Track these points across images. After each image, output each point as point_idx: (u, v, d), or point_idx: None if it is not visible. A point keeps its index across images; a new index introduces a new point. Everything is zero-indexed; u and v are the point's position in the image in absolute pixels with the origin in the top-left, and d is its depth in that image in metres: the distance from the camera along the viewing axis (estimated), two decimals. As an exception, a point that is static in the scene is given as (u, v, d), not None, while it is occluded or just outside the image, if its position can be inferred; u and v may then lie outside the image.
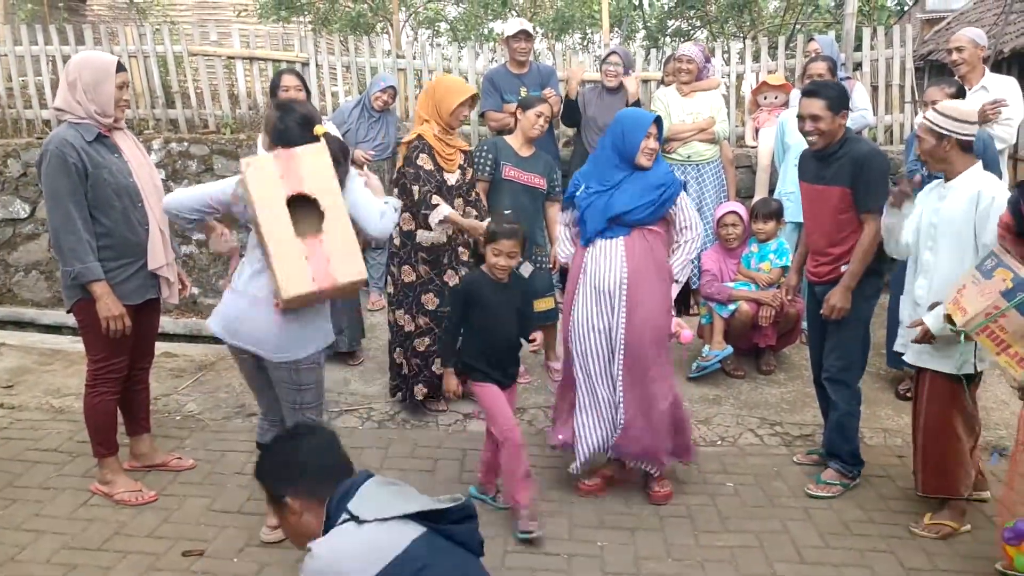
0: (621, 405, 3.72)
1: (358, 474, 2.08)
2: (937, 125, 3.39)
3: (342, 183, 3.05)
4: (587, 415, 3.79)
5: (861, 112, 5.77)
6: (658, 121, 3.73)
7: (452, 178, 4.45)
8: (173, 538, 3.47)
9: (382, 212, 3.15)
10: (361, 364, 5.36)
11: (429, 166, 4.36)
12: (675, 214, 3.76)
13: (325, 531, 1.97)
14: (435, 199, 4.32)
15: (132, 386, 3.90)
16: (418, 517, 1.94)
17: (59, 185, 3.38)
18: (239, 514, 3.68)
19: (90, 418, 3.73)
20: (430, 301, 4.52)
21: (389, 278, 4.64)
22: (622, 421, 3.71)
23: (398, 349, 4.66)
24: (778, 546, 3.48)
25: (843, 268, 3.79)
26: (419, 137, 4.39)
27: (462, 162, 4.54)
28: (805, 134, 3.80)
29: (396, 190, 4.53)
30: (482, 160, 4.78)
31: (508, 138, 4.90)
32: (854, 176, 3.71)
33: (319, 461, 2.10)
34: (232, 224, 3.45)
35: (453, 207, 4.41)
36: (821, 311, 3.84)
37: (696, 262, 5.81)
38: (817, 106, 3.71)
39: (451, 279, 4.54)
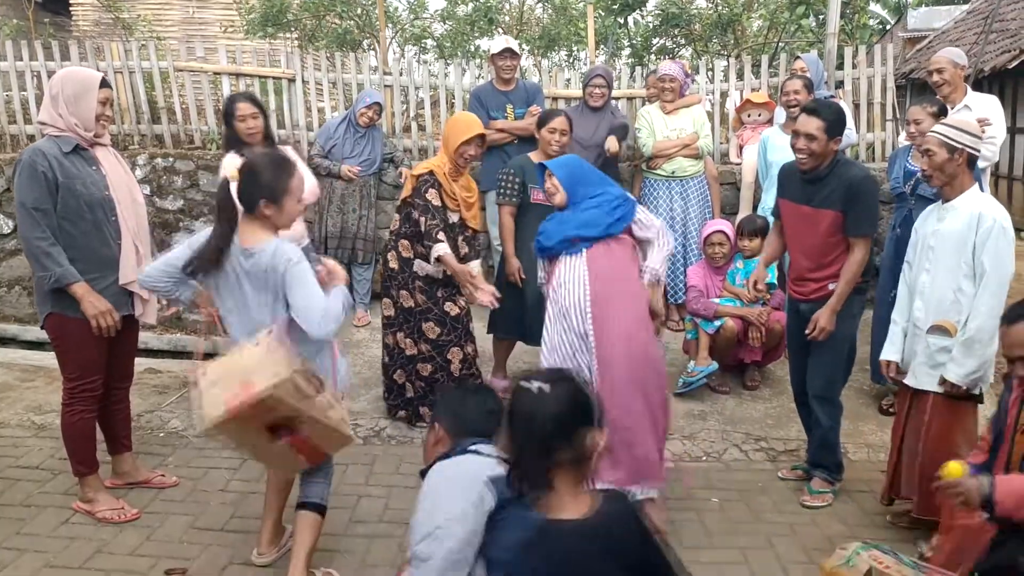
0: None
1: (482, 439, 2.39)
2: (950, 138, 3.37)
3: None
4: None
5: (844, 131, 5.82)
6: (552, 166, 3.77)
7: (454, 216, 4.50)
8: (156, 556, 3.44)
9: (323, 312, 2.85)
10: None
11: (437, 202, 4.37)
12: (637, 225, 3.74)
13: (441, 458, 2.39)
14: (440, 236, 4.32)
15: (111, 405, 3.87)
16: None
17: (28, 193, 3.38)
18: (222, 532, 3.65)
19: (68, 438, 3.70)
20: (431, 330, 4.50)
21: (388, 300, 4.59)
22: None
23: (399, 371, 4.63)
24: (763, 562, 3.49)
25: (830, 287, 3.78)
26: (431, 173, 4.39)
27: (467, 212, 4.57)
28: (797, 151, 3.77)
29: (399, 216, 4.53)
30: (509, 184, 4.77)
31: (533, 156, 4.87)
32: (847, 201, 3.68)
33: (471, 417, 2.52)
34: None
35: (455, 245, 4.46)
36: (806, 331, 3.83)
37: (682, 277, 5.86)
38: (814, 125, 3.67)
39: (452, 309, 4.53)
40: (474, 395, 2.67)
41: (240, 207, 2.93)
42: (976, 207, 3.37)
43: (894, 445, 3.75)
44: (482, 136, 4.51)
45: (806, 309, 3.90)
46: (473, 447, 2.35)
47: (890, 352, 3.68)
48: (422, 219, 4.34)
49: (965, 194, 3.42)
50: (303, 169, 5.06)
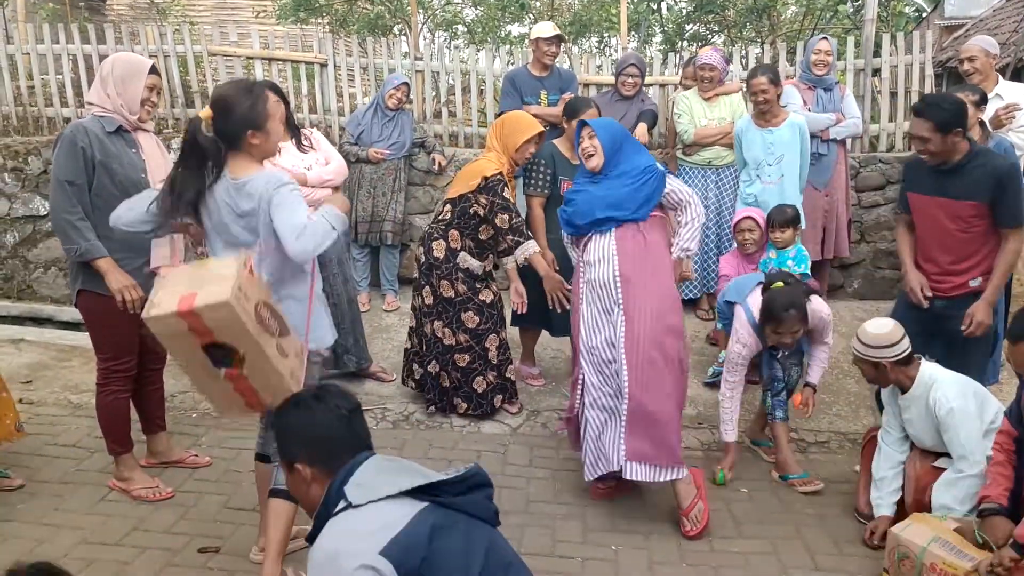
0: (625, 412, 3.58)
1: (359, 455, 2.03)
2: (870, 356, 3.37)
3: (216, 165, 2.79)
4: (593, 416, 3.73)
5: (853, 119, 5.78)
6: (595, 126, 3.77)
7: None
8: (190, 534, 3.49)
9: (301, 228, 2.67)
10: (394, 380, 5.15)
11: (511, 199, 4.44)
12: (667, 198, 3.75)
13: (322, 515, 1.95)
14: (529, 232, 4.39)
15: (145, 386, 3.92)
16: (420, 492, 1.90)
17: (64, 166, 3.43)
18: (255, 511, 3.67)
19: (103, 417, 3.75)
20: (470, 319, 4.50)
21: (428, 288, 4.55)
22: (624, 430, 3.58)
23: (433, 362, 4.61)
24: (792, 552, 3.47)
25: (972, 283, 3.71)
26: (501, 174, 4.41)
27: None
28: (918, 151, 3.72)
29: (452, 209, 4.50)
30: (540, 175, 4.75)
31: (560, 145, 4.84)
32: (995, 191, 3.57)
33: (329, 432, 2.07)
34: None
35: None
36: (963, 327, 3.70)
37: (715, 267, 5.81)
38: (924, 127, 3.58)
39: (487, 296, 4.55)
40: (317, 405, 2.13)
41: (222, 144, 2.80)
42: (931, 395, 3.31)
43: (864, 463, 3.75)
44: (541, 134, 4.52)
45: (942, 306, 3.78)
46: (353, 477, 1.95)
47: (884, 509, 3.52)
48: (504, 216, 4.34)
49: (916, 383, 3.38)
50: (321, 139, 5.05)
